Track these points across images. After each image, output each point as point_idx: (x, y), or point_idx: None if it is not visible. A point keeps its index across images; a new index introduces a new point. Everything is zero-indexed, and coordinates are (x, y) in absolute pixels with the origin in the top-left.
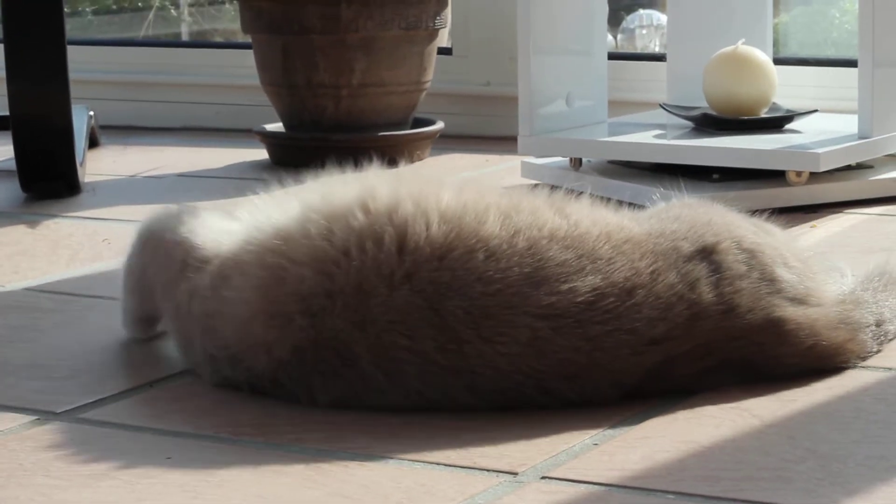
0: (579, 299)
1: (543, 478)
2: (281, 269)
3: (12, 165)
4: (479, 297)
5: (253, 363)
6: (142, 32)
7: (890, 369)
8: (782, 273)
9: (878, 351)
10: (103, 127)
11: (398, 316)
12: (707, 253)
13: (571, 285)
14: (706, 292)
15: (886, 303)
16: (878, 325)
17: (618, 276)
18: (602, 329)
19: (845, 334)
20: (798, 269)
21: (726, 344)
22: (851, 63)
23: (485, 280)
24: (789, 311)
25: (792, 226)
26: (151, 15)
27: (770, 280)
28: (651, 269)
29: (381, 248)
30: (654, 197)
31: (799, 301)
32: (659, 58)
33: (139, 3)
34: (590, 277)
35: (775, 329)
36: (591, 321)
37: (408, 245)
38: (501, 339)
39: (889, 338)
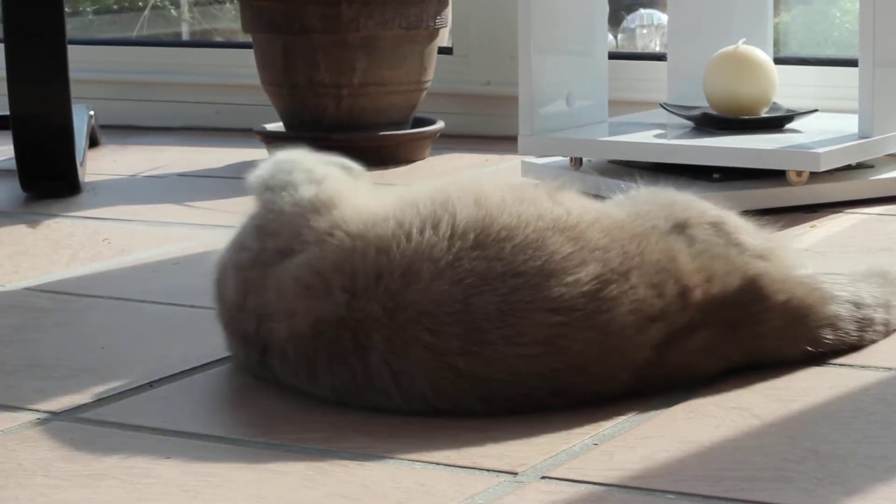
0: (584, 289)
1: (543, 478)
2: (353, 249)
3: (13, 165)
4: (508, 293)
5: (275, 325)
6: (135, 32)
7: (890, 369)
8: (745, 238)
9: (860, 338)
10: (103, 126)
11: (430, 307)
12: (682, 228)
13: (577, 277)
14: (687, 263)
15: (865, 288)
16: (856, 305)
17: (615, 262)
18: (607, 316)
19: (817, 296)
20: (759, 234)
21: (715, 310)
22: (852, 63)
23: (512, 273)
24: (760, 266)
25: (792, 225)
26: (146, 13)
27: (736, 245)
28: (640, 250)
29: (438, 232)
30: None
31: (764, 258)
32: (659, 57)
33: (140, 3)
34: (591, 266)
35: (751, 286)
36: (598, 310)
37: (457, 230)
38: (523, 341)
39: (873, 326)
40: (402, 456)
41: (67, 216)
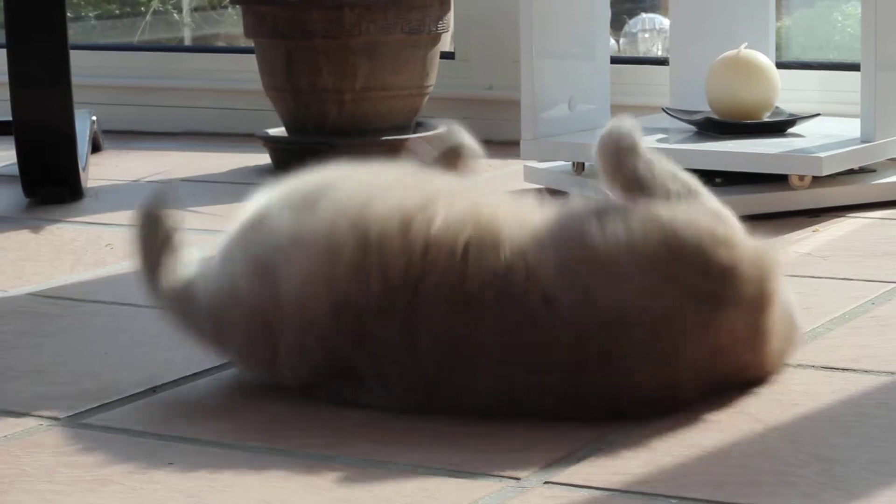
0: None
1: (546, 483)
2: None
3: (15, 170)
4: (445, 333)
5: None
6: (136, 37)
7: (892, 373)
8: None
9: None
10: (106, 131)
11: (386, 346)
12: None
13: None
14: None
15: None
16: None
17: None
18: None
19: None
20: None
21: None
22: (854, 67)
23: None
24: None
25: (794, 230)
26: (148, 17)
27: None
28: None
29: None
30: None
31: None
32: (661, 62)
33: (142, 8)
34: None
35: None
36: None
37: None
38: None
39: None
40: (406, 461)
41: (70, 221)
